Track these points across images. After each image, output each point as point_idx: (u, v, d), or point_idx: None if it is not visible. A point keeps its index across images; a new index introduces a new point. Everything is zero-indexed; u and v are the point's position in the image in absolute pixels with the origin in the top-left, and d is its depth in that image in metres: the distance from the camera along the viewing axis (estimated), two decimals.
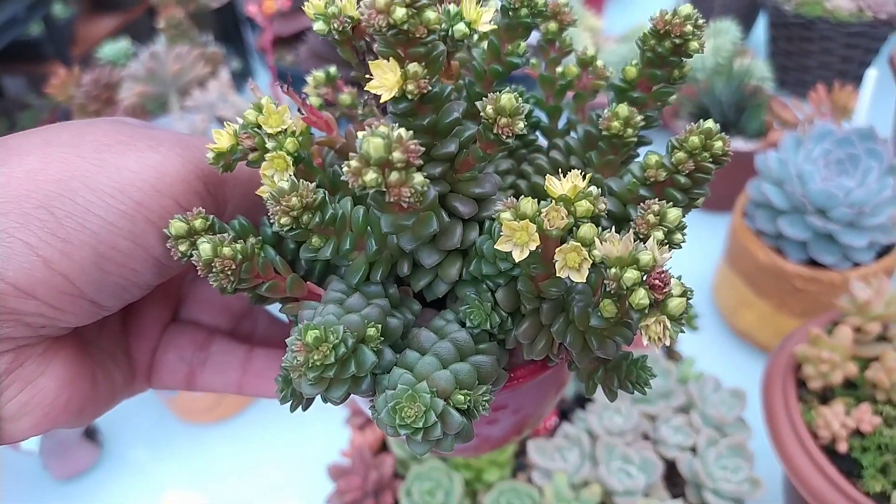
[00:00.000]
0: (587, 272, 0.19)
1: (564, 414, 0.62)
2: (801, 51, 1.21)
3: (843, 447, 0.53)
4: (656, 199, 0.22)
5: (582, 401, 0.61)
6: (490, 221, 0.24)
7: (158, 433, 0.83)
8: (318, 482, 0.61)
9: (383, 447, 0.59)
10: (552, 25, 0.29)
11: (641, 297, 0.18)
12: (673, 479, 0.56)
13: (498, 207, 0.20)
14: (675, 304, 0.18)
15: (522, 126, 0.22)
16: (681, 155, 0.23)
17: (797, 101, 0.95)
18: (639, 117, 0.26)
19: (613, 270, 0.18)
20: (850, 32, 1.13)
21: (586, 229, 0.19)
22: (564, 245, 0.19)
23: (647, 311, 0.18)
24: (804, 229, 0.74)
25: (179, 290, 0.31)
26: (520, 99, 0.22)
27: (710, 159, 0.23)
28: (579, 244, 0.19)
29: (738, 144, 0.99)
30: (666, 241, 0.22)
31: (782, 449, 0.54)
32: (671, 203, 0.23)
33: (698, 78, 1.11)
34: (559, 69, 0.31)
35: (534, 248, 0.19)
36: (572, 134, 0.28)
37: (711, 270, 0.93)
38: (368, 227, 0.24)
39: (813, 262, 0.75)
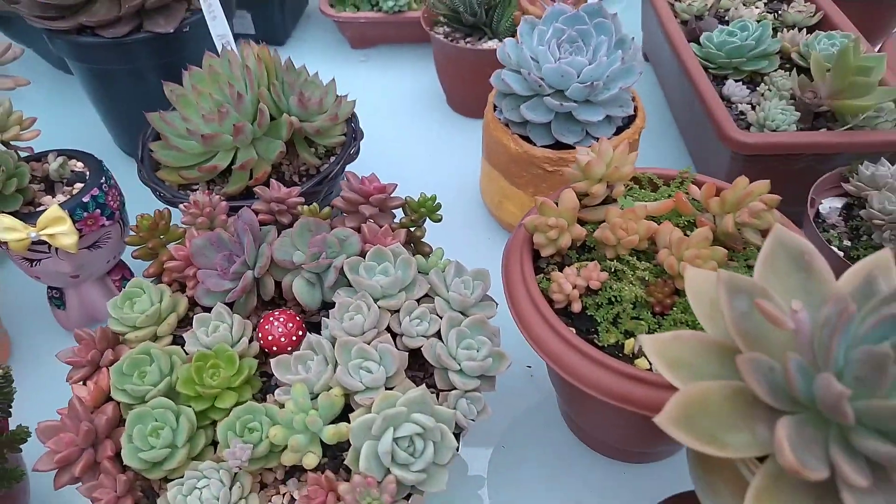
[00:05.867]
0: None
1: (312, 326, 0.58)
2: None
3: (577, 307, 0.54)
4: None
5: (326, 307, 0.57)
6: None
7: None
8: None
9: (109, 399, 0.52)
10: None
11: None
12: (421, 367, 0.55)
13: None
14: None
15: None
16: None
17: None
18: None
19: None
20: None
21: None
22: None
23: None
24: (545, 112, 0.75)
25: None
26: None
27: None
28: None
29: (492, 45, 0.98)
30: None
31: (521, 318, 0.54)
32: None
33: None
34: None
35: None
36: None
37: (477, 170, 0.93)
38: None
39: (559, 145, 0.76)
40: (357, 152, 0.76)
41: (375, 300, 0.55)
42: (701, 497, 0.41)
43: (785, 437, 0.30)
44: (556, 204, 0.58)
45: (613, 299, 0.54)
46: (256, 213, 0.62)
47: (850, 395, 0.31)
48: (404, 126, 1.07)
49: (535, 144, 0.77)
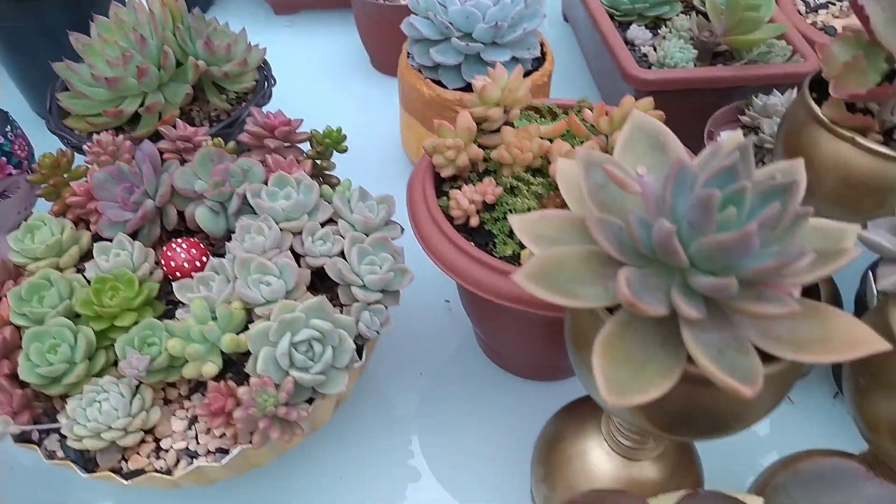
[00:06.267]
0: None
1: (217, 254, 0.59)
2: None
3: (475, 221, 0.56)
4: None
5: (229, 233, 0.58)
6: None
7: None
8: None
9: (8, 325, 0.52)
10: None
11: None
12: (325, 284, 0.56)
13: None
14: None
15: None
16: None
17: None
18: None
19: None
20: None
21: None
22: None
23: None
24: (455, 55, 0.77)
25: None
26: None
27: None
28: None
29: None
30: None
31: (423, 236, 0.56)
32: None
33: None
34: None
35: None
36: None
37: (398, 124, 0.95)
38: None
39: (471, 89, 0.78)
40: (269, 97, 0.76)
41: (277, 223, 0.55)
42: (578, 373, 0.43)
43: (624, 278, 0.32)
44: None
45: (509, 213, 0.56)
46: (161, 152, 0.62)
47: (686, 240, 0.33)
48: (329, 88, 1.08)
49: (447, 88, 0.78)
